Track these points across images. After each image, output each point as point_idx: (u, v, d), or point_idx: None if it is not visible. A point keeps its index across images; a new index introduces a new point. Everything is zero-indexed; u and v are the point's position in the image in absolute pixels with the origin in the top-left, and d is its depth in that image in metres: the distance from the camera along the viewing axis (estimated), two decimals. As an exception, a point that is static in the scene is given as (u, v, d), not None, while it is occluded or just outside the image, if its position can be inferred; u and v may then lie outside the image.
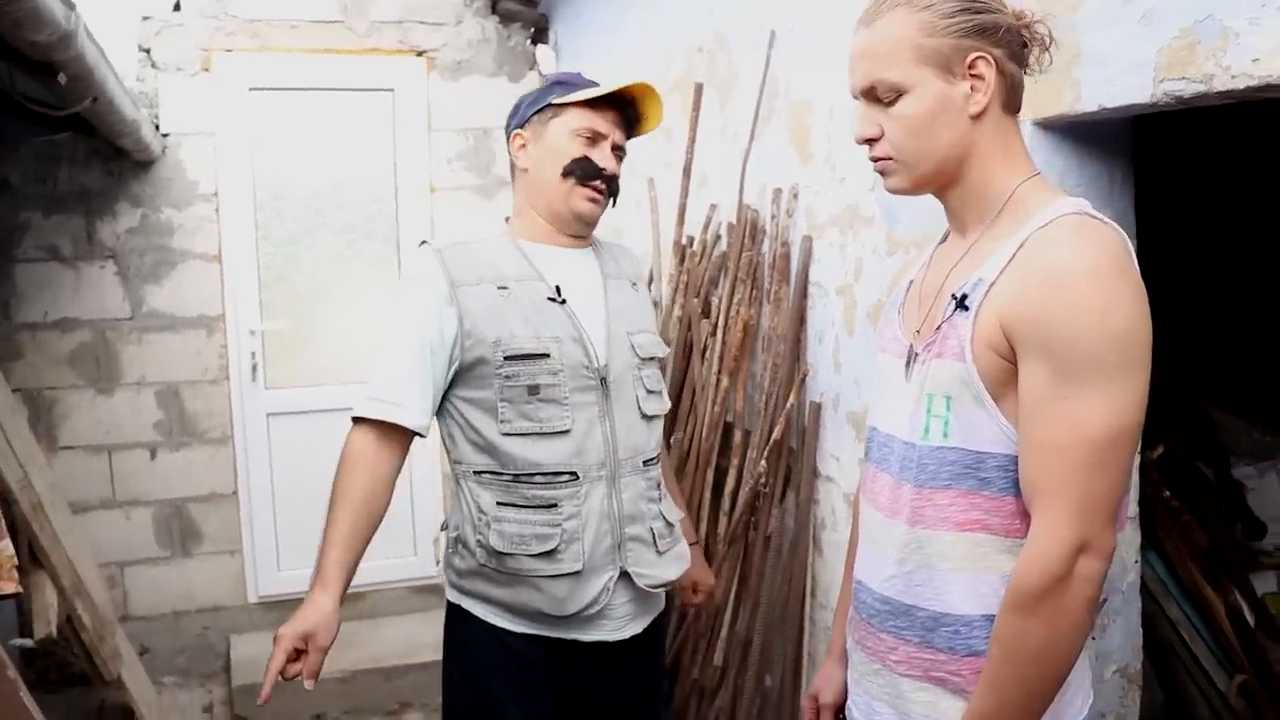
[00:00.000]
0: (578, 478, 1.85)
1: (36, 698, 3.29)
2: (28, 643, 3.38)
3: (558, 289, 1.90)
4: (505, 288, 1.87)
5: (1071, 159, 1.81)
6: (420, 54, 4.35)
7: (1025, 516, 1.21)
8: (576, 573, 1.84)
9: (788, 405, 2.55)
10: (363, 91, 4.30)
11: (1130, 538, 1.99)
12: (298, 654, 1.79)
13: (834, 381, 2.49)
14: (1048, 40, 1.32)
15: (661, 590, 1.98)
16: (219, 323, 4.17)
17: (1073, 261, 1.14)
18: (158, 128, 4.01)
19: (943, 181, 1.32)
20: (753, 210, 2.75)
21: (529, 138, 1.95)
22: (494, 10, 4.41)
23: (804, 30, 2.52)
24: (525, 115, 1.96)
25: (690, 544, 2.18)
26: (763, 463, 2.57)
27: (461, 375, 1.86)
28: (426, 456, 4.40)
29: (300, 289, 4.31)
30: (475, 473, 1.89)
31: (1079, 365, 1.13)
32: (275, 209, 4.25)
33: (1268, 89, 1.36)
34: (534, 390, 1.83)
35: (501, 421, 1.84)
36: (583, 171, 1.90)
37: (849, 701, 1.48)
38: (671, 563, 1.99)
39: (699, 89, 2.87)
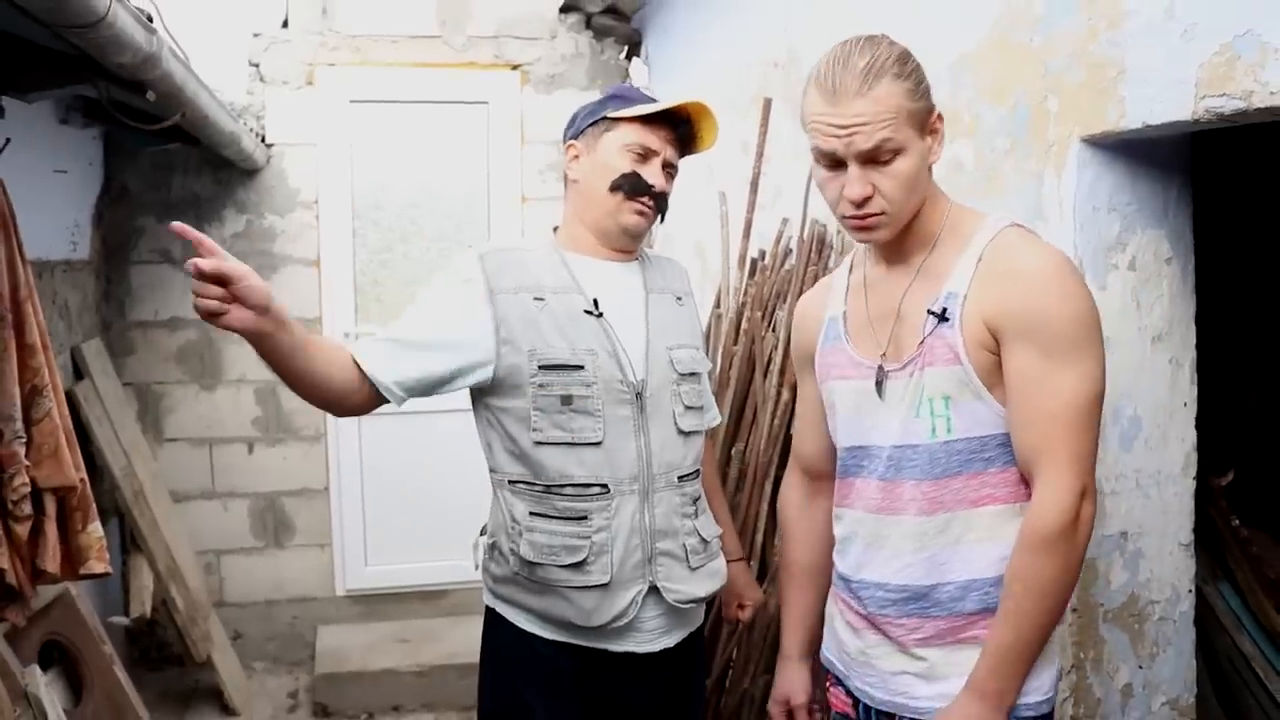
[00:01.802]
0: (608, 490, 1.86)
1: (136, 674, 3.49)
2: (124, 621, 3.59)
3: (595, 302, 1.90)
4: (541, 299, 1.87)
5: (1123, 176, 1.79)
6: (515, 68, 4.46)
7: (1024, 482, 1.43)
8: (604, 585, 1.84)
9: (845, 420, 2.54)
10: (458, 104, 4.43)
11: (1184, 565, 1.94)
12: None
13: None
14: None
15: (693, 606, 1.97)
16: (316, 325, 4.34)
17: (1040, 262, 1.40)
18: (263, 139, 4.21)
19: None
20: (820, 225, 2.76)
21: (582, 149, 1.96)
22: (588, 25, 4.50)
23: (871, 45, 2.52)
24: (580, 127, 1.97)
25: (734, 560, 2.18)
26: (819, 476, 2.57)
27: (497, 383, 1.87)
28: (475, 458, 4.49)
29: (394, 294, 4.46)
30: (510, 482, 1.91)
31: (1061, 344, 1.36)
32: (372, 217, 4.42)
33: (1306, 106, 1.33)
34: (567, 400, 1.84)
35: (534, 430, 1.85)
36: (631, 187, 1.90)
37: (852, 687, 1.60)
38: (705, 579, 1.97)
39: (767, 104, 2.89)
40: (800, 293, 2.75)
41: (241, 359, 4.29)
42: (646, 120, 1.92)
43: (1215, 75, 1.44)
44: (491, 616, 2.01)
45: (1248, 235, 2.81)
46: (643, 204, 1.92)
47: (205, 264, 1.54)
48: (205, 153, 3.98)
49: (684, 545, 1.93)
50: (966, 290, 1.41)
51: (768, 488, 2.81)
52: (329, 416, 4.35)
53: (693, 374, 1.99)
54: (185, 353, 4.26)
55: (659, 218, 1.99)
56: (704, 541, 1.98)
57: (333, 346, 1.82)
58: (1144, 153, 1.77)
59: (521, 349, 1.85)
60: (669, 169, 1.97)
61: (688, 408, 1.97)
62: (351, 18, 4.28)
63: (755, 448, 2.82)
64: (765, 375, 2.85)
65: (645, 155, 1.92)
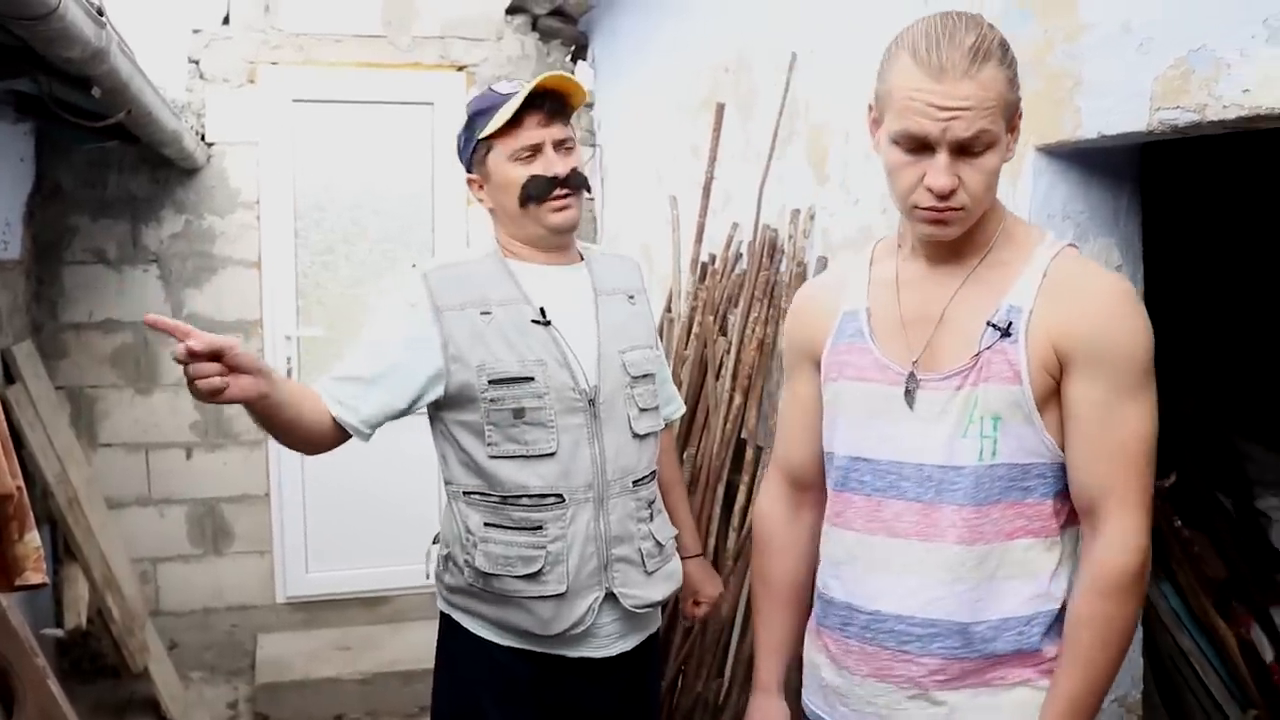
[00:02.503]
0: (564, 500, 1.85)
1: (69, 687, 3.39)
2: (59, 632, 3.48)
3: (542, 311, 1.87)
4: (488, 312, 1.85)
5: (1076, 186, 1.82)
6: (460, 69, 4.43)
7: (1056, 515, 1.35)
8: (561, 595, 1.84)
9: (799, 423, 2.56)
10: (403, 105, 4.38)
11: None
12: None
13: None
14: None
15: (650, 610, 1.97)
16: (256, 328, 4.26)
17: (1111, 287, 1.33)
18: (203, 137, 4.12)
19: None
20: (771, 230, 2.78)
21: (480, 179, 1.93)
22: (534, 27, 4.49)
23: (823, 54, 2.55)
24: (468, 159, 1.94)
25: (693, 556, 2.19)
26: (772, 480, 2.59)
27: (450, 399, 1.86)
28: (426, 468, 4.45)
29: (336, 297, 4.40)
30: (465, 493, 1.90)
31: (1130, 376, 1.29)
32: (314, 218, 4.34)
33: (1257, 119, 1.37)
34: (519, 413, 1.82)
35: (489, 444, 1.84)
36: (537, 191, 1.86)
37: None
38: (661, 582, 1.98)
39: (720, 108, 2.91)
40: (753, 297, 2.77)
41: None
42: (516, 120, 1.85)
43: (1170, 88, 1.48)
44: (446, 623, 2.00)
45: (1187, 244, 2.89)
46: (558, 199, 1.88)
47: (197, 343, 1.50)
48: (143, 151, 3.88)
49: (639, 550, 1.93)
50: (1032, 306, 1.31)
51: (720, 491, 2.82)
52: (270, 421, 4.28)
53: (646, 375, 1.98)
54: (120, 356, 4.15)
55: (584, 194, 1.94)
56: (659, 545, 1.98)
57: (307, 393, 1.81)
58: (1096, 162, 1.81)
59: (470, 365, 1.83)
60: (562, 145, 1.89)
61: (642, 410, 1.96)
62: (295, 16, 4.21)
63: (708, 452, 2.83)
64: (717, 378, 2.86)
65: (534, 152, 1.86)
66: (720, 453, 2.80)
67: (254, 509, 4.34)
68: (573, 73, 4.53)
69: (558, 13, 4.40)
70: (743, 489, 2.72)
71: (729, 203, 3.05)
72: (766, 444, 2.72)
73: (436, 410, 1.91)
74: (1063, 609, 1.35)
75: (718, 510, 2.79)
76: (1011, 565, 1.35)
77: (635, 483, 1.94)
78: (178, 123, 3.30)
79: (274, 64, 4.20)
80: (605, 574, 1.88)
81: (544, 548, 1.83)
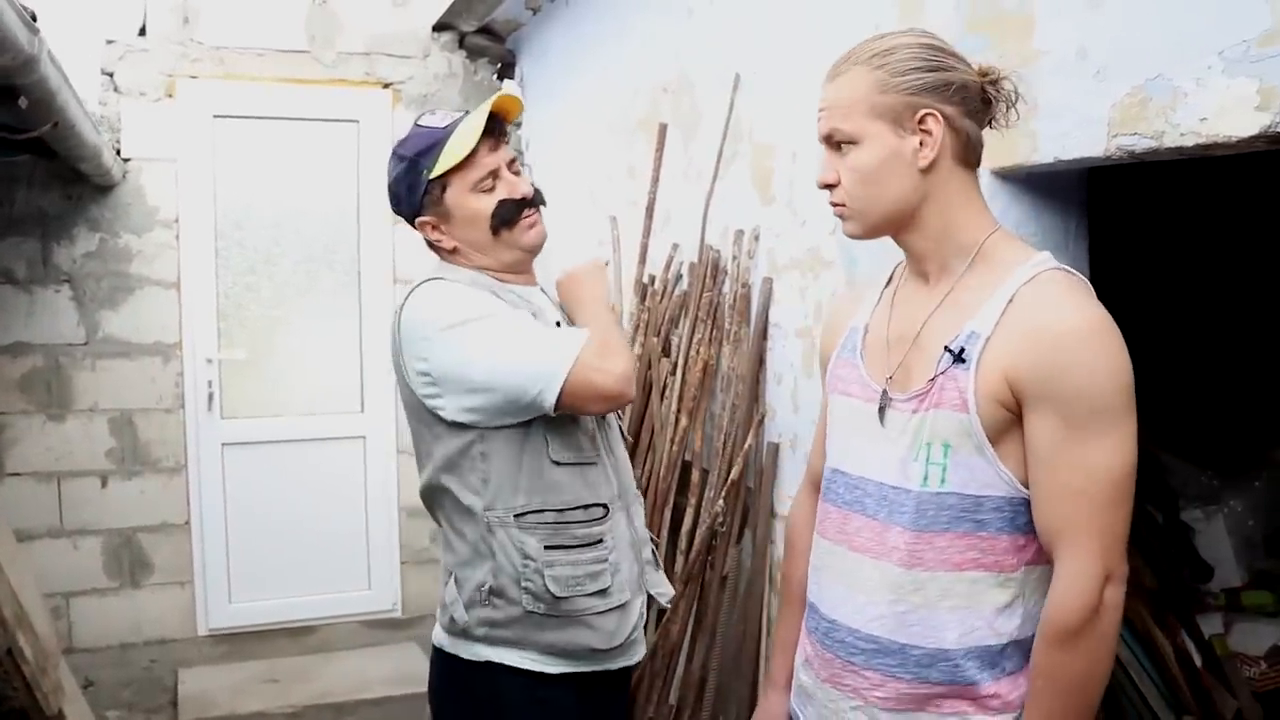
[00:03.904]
0: (607, 510, 1.87)
1: (-26, 732, 3.20)
2: (-34, 675, 3.29)
3: (558, 322, 1.92)
4: (535, 315, 1.86)
5: (1029, 209, 1.86)
6: (386, 86, 4.35)
7: (1015, 551, 1.30)
8: (624, 604, 1.87)
9: (746, 446, 2.56)
10: (328, 122, 4.29)
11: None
12: None
13: (792, 423, 2.51)
14: (1014, 96, 1.36)
15: (669, 604, 2.10)
16: (175, 350, 4.12)
17: (1076, 323, 1.23)
18: (119, 153, 3.96)
19: (897, 228, 1.39)
20: (714, 251, 2.78)
21: (437, 219, 1.86)
22: (461, 45, 4.44)
23: (767, 75, 2.56)
24: (417, 203, 1.85)
25: None
26: (720, 502, 2.58)
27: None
28: (382, 491, 4.37)
29: (259, 318, 4.27)
30: (516, 516, 1.80)
31: (1091, 415, 1.22)
32: (236, 237, 4.22)
33: (1214, 147, 1.41)
34: (573, 417, 1.83)
35: (551, 449, 1.81)
36: (509, 215, 1.83)
37: None
38: (665, 577, 2.06)
39: (663, 129, 2.90)
40: (696, 318, 2.77)
41: (94, 386, 4.02)
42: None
43: (1127, 115, 1.51)
44: (477, 670, 1.85)
45: (1128, 267, 2.97)
46: (528, 217, 1.86)
47: None
48: (54, 166, 3.73)
49: (653, 551, 2.03)
50: (990, 333, 1.27)
51: (667, 514, 2.80)
52: (189, 447, 4.14)
53: None
54: (30, 380, 3.97)
55: (543, 209, 1.93)
56: (656, 545, 2.10)
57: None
58: (1047, 186, 1.84)
59: None
60: (513, 165, 1.87)
61: (620, 419, 2.06)
62: (215, 28, 4.09)
63: (654, 474, 2.81)
64: (662, 399, 2.85)
65: (494, 178, 1.83)
66: (666, 475, 2.78)
67: (174, 538, 4.19)
68: (498, 91, 4.50)
69: (485, 30, 4.36)
70: (689, 512, 2.71)
71: (668, 223, 3.05)
72: (711, 465, 2.71)
73: (493, 430, 1.79)
74: (1009, 646, 1.33)
75: (664, 534, 2.77)
76: (957, 596, 1.31)
77: (638, 489, 2.04)
78: (98, 137, 3.17)
79: (193, 78, 4.07)
80: (641, 578, 1.94)
81: (605, 560, 1.84)
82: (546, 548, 1.80)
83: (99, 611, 4.12)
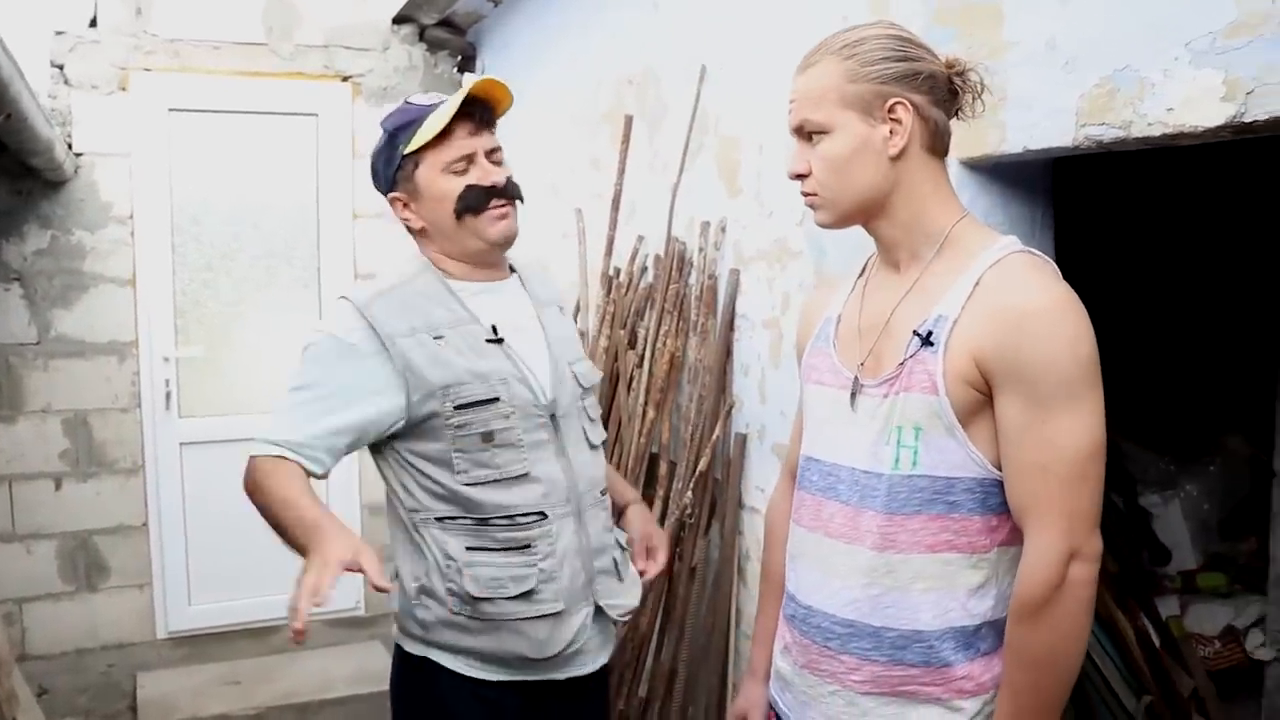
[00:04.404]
0: (546, 517, 1.80)
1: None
2: (-82, 684, 3.21)
3: (494, 329, 1.82)
4: (440, 336, 1.77)
5: (996, 198, 1.88)
6: (346, 79, 4.30)
7: (988, 532, 1.33)
8: (557, 613, 1.80)
9: (713, 437, 2.57)
10: (286, 116, 4.23)
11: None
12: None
13: (759, 414, 2.52)
14: (980, 87, 1.38)
15: (627, 618, 1.99)
16: (131, 349, 4.04)
17: (1038, 301, 1.25)
18: (70, 147, 3.88)
19: (868, 217, 1.41)
20: (680, 243, 2.78)
21: (407, 197, 1.84)
22: (422, 38, 4.40)
23: (734, 66, 2.57)
24: (390, 177, 1.85)
25: (633, 503, 2.11)
26: (688, 494, 2.59)
27: (410, 430, 1.78)
28: (345, 490, 4.32)
29: (217, 315, 4.21)
30: (437, 519, 1.80)
31: (1055, 393, 1.23)
32: (192, 233, 4.15)
33: (1180, 137, 1.43)
34: (488, 437, 1.76)
35: (458, 473, 1.77)
36: (474, 202, 1.79)
37: None
38: (632, 586, 1.97)
39: (629, 121, 2.90)
40: (663, 310, 2.77)
41: (47, 386, 3.94)
42: (447, 130, 1.78)
43: (1096, 105, 1.53)
44: (419, 669, 1.85)
45: (1088, 255, 3.01)
46: (497, 208, 1.81)
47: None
48: (3, 161, 3.64)
49: (614, 559, 1.92)
50: (957, 316, 1.30)
51: (636, 506, 2.80)
52: (146, 446, 4.07)
53: (592, 386, 1.98)
54: (-22, 381, 3.88)
55: (518, 204, 1.88)
56: (624, 551, 1.97)
57: (292, 478, 1.70)
58: (1014, 176, 1.87)
59: (434, 393, 1.75)
60: (494, 154, 1.83)
61: (592, 420, 1.95)
62: (169, 20, 4.01)
63: (622, 465, 2.81)
64: (629, 391, 2.85)
65: (466, 162, 1.80)
66: (634, 467, 2.78)
67: (131, 540, 4.11)
68: (460, 85, 4.46)
69: (446, 23, 4.32)
70: (657, 504, 2.71)
71: (633, 215, 3.04)
72: (679, 457, 2.71)
73: (389, 441, 1.81)
74: (984, 627, 1.35)
75: (634, 525, 2.77)
76: (931, 578, 1.33)
77: (602, 493, 1.93)
78: (51, 131, 3.10)
79: (147, 70, 3.99)
80: (591, 588, 1.86)
81: (535, 566, 1.78)
82: (468, 548, 1.78)
83: (54, 617, 4.03)
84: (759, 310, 2.52)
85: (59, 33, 3.89)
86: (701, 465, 2.58)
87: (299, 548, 1.60)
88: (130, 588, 4.12)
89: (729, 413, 2.60)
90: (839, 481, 1.42)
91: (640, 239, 2.99)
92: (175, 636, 4.18)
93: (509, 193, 1.84)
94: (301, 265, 4.32)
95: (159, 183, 4.03)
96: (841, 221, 1.41)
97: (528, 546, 1.79)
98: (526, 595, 1.78)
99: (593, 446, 1.93)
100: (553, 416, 1.84)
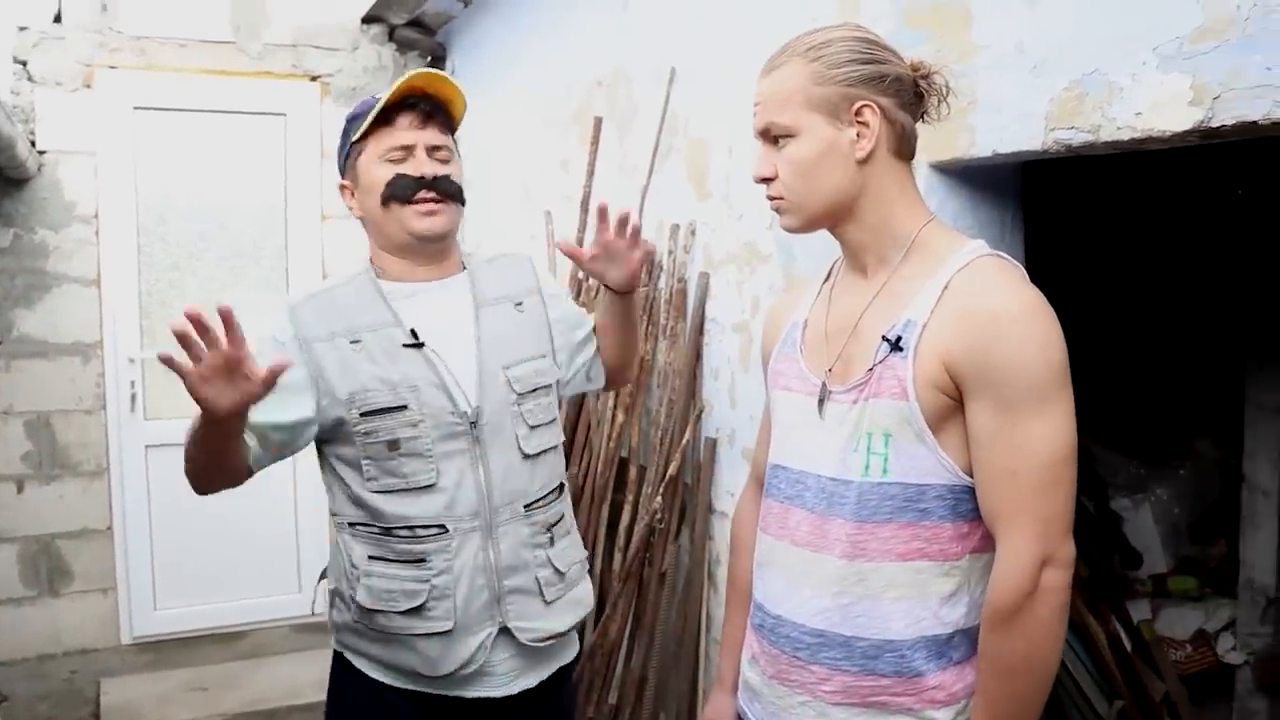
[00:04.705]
0: (447, 531, 1.74)
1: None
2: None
3: (414, 332, 1.76)
4: (358, 340, 1.75)
5: (966, 202, 1.86)
6: (314, 79, 4.25)
7: (959, 540, 1.30)
8: (448, 631, 1.73)
9: (683, 441, 2.55)
10: (254, 115, 4.18)
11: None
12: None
13: (729, 418, 2.50)
14: (945, 90, 1.37)
15: (550, 643, 1.83)
16: (96, 350, 3.98)
17: (1007, 304, 1.24)
18: (34, 144, 3.82)
19: (835, 221, 1.38)
20: (649, 244, 2.75)
21: (352, 184, 1.83)
22: (391, 38, 4.36)
23: (703, 69, 2.55)
24: (341, 165, 1.85)
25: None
26: (658, 499, 2.56)
27: (326, 434, 1.77)
28: (312, 492, 4.26)
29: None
30: (350, 524, 1.79)
31: (1025, 397, 1.21)
32: (158, 233, 4.09)
33: (1149, 141, 1.42)
34: (394, 445, 1.72)
35: (367, 480, 1.74)
36: (401, 191, 1.75)
37: None
38: (564, 612, 1.85)
39: (598, 122, 2.87)
40: (634, 313, 2.74)
41: (9, 388, 3.87)
42: (387, 121, 1.76)
43: (1065, 109, 1.52)
44: (338, 662, 1.88)
45: (1058, 259, 3.01)
46: (424, 201, 1.76)
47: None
48: (-37, 160, 3.57)
49: (537, 579, 1.81)
50: (926, 320, 1.27)
51: (604, 511, 2.78)
52: (111, 449, 4.01)
53: (538, 389, 1.85)
54: (-61, 383, 3.81)
55: (456, 205, 1.81)
56: (559, 573, 1.85)
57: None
58: (983, 180, 1.85)
59: (341, 399, 1.73)
60: (437, 151, 1.79)
61: (533, 427, 1.82)
62: (135, 17, 3.95)
63: (591, 470, 2.79)
64: (598, 397, 2.82)
65: (404, 152, 1.76)
66: (604, 472, 2.76)
67: (95, 544, 4.05)
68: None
69: (416, 23, 4.29)
70: (627, 509, 2.69)
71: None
72: (649, 462, 2.69)
73: (318, 443, 1.81)
74: (956, 635, 1.33)
75: (602, 532, 2.74)
76: (902, 587, 1.31)
77: (529, 507, 1.81)
78: (12, 128, 3.04)
79: (112, 68, 3.93)
80: (498, 607, 1.77)
81: (428, 581, 1.73)
82: (370, 557, 1.76)
83: (14, 622, 3.96)
84: (729, 314, 2.50)
85: (22, 28, 3.84)
86: (671, 470, 2.56)
87: (208, 423, 1.56)
88: (94, 592, 4.06)
89: (699, 417, 2.58)
90: (805, 489, 1.39)
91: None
92: (140, 642, 4.12)
93: (440, 188, 1.78)
94: (269, 266, 4.27)
95: (124, 181, 3.98)
96: (808, 226, 1.39)
97: (423, 560, 1.74)
98: (417, 611, 1.73)
99: (528, 456, 1.81)
100: (473, 425, 1.76)
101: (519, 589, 1.79)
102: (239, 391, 1.50)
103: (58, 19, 3.87)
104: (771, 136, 1.35)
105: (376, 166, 1.77)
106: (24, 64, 3.84)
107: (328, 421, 1.74)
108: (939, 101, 1.37)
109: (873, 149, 1.32)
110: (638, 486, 2.70)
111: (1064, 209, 3.27)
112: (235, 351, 1.48)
